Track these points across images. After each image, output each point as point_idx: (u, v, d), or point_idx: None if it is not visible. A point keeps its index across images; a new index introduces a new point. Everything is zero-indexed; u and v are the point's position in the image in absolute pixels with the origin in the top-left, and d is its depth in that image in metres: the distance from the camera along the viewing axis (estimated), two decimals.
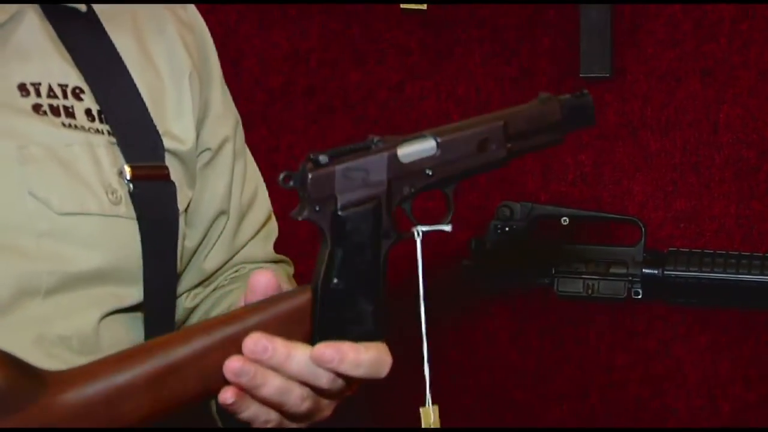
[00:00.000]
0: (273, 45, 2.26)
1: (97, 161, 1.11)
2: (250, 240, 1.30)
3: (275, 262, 1.34)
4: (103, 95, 1.14)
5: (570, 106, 1.01)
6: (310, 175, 0.92)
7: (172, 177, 1.16)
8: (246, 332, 0.94)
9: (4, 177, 1.06)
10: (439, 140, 0.96)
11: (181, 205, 1.18)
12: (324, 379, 0.95)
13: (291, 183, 0.93)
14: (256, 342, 0.93)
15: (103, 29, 1.17)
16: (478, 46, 2.17)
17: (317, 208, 0.93)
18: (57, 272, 1.07)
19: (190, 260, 1.26)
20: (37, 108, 1.10)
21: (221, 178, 1.26)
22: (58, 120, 1.11)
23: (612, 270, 2.05)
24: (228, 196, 1.26)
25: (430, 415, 0.99)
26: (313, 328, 0.94)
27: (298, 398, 0.96)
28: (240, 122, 1.30)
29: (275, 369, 0.94)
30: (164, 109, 1.19)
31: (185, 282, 1.26)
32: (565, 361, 2.18)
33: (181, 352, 0.94)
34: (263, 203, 1.33)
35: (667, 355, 2.12)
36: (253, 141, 1.36)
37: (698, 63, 2.06)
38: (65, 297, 1.08)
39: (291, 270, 1.36)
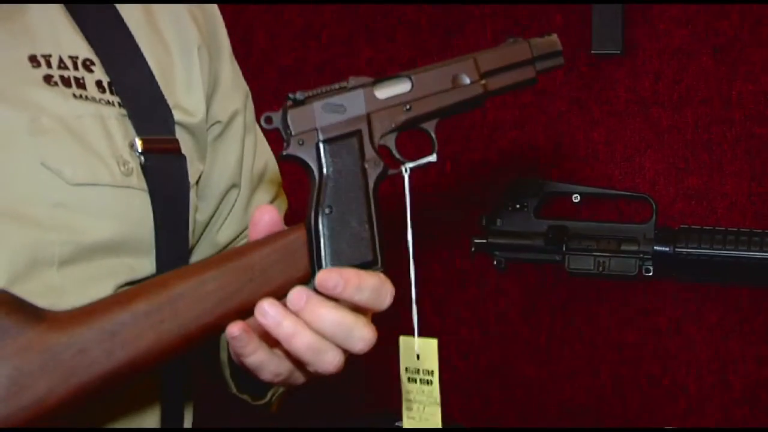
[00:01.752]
0: (284, 22, 2.26)
1: (109, 133, 1.12)
2: None
3: None
4: (113, 68, 1.15)
5: (537, 45, 1.06)
6: (289, 112, 0.97)
7: (183, 150, 1.17)
8: (244, 267, 0.95)
9: (16, 148, 1.06)
10: (412, 77, 1.00)
11: (192, 178, 1.19)
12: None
13: (272, 123, 0.97)
14: (298, 294, 0.94)
15: (113, 3, 1.17)
16: (489, 22, 2.16)
17: (301, 143, 0.97)
18: (70, 242, 1.08)
19: (202, 233, 1.26)
20: (48, 79, 1.10)
21: (232, 151, 1.26)
22: (69, 91, 1.11)
23: (623, 247, 2.05)
24: (239, 169, 1.27)
25: (414, 344, 0.98)
26: (311, 259, 0.95)
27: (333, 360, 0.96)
28: (250, 96, 1.31)
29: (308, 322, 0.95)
30: (174, 83, 1.19)
31: (197, 254, 1.27)
32: (576, 338, 2.19)
33: (179, 285, 0.95)
34: (274, 176, 1.33)
35: (678, 333, 2.12)
36: None
37: (710, 40, 2.05)
38: (79, 268, 1.09)
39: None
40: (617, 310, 2.16)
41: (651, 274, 2.04)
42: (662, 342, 2.13)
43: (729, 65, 2.04)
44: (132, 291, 0.97)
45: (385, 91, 1.00)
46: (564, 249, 2.07)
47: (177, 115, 1.18)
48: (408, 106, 0.99)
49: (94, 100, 1.12)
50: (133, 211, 1.12)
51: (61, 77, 1.11)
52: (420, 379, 0.98)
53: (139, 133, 1.13)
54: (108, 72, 1.14)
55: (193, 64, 1.21)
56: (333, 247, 0.95)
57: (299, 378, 1.01)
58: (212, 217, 1.27)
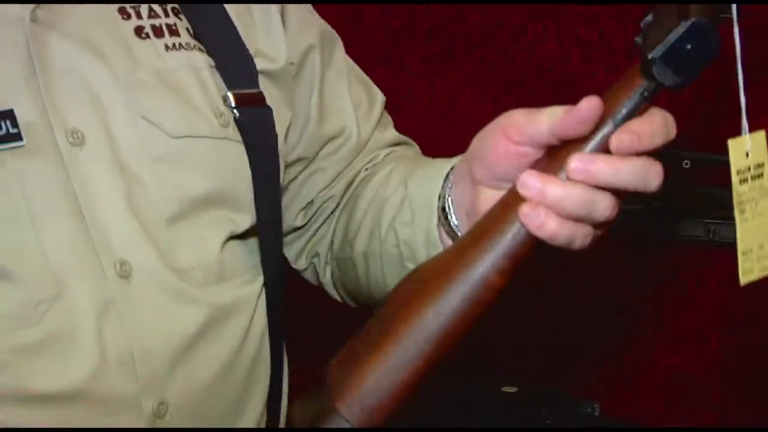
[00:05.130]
0: None
1: (204, 84, 1.13)
2: (373, 131, 1.33)
3: (402, 143, 1.38)
4: (197, 20, 1.16)
5: None
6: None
7: (268, 101, 1.18)
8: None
9: (116, 103, 1.08)
10: None
11: (280, 129, 1.20)
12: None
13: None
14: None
15: None
16: None
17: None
18: (176, 197, 1.10)
19: (302, 172, 1.28)
20: (139, 31, 1.12)
21: (318, 93, 1.28)
22: (161, 42, 1.12)
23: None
24: (317, 108, 1.28)
25: (745, 143, 0.97)
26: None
27: (608, 208, 0.97)
28: (331, 35, 1.31)
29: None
30: (254, 29, 1.20)
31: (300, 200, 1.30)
32: (685, 305, 2.17)
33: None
34: (377, 94, 1.34)
35: None
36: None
37: None
38: (188, 223, 1.11)
39: (417, 148, 1.39)
40: (728, 278, 2.12)
41: None
42: None
43: None
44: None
45: None
46: (674, 215, 2.06)
47: (260, 64, 1.18)
48: None
49: (188, 46, 1.13)
50: (230, 163, 1.14)
51: (153, 27, 1.12)
52: (752, 176, 0.96)
53: (228, 86, 1.15)
54: (193, 25, 1.15)
55: (270, 7, 1.22)
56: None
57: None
58: (312, 161, 1.28)
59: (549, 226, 0.94)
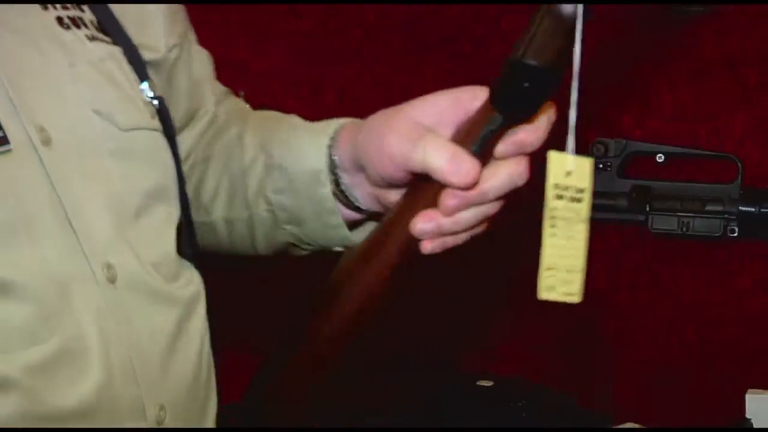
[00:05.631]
0: None
1: (127, 75, 1.12)
2: (213, 92, 1.35)
3: (227, 93, 1.40)
4: (99, 12, 1.13)
5: None
6: None
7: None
8: None
9: (69, 98, 1.05)
10: None
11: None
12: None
13: None
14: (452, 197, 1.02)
15: None
16: None
17: None
18: (136, 191, 1.08)
19: None
20: (60, 21, 1.07)
21: (188, 70, 1.29)
22: (81, 33, 1.09)
23: (708, 207, 2.03)
24: (196, 86, 1.29)
25: (567, 162, 0.95)
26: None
27: (495, 208, 1.05)
28: (185, 12, 1.32)
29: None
30: (132, 22, 1.18)
31: None
32: (660, 298, 2.17)
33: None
34: (206, 53, 1.35)
35: (764, 293, 2.10)
36: (347, 75, 1.36)
37: None
38: (147, 218, 1.09)
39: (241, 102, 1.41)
40: (701, 271, 2.14)
41: (736, 234, 2.02)
42: (747, 303, 2.11)
43: None
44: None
45: None
46: (647, 209, 2.06)
47: (144, 54, 1.17)
48: None
49: (102, 40, 1.11)
50: (162, 155, 1.13)
51: (69, 18, 1.08)
52: (570, 197, 0.97)
53: (138, 77, 1.14)
54: (97, 17, 1.13)
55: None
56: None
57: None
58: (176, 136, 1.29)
59: (450, 243, 1.05)
